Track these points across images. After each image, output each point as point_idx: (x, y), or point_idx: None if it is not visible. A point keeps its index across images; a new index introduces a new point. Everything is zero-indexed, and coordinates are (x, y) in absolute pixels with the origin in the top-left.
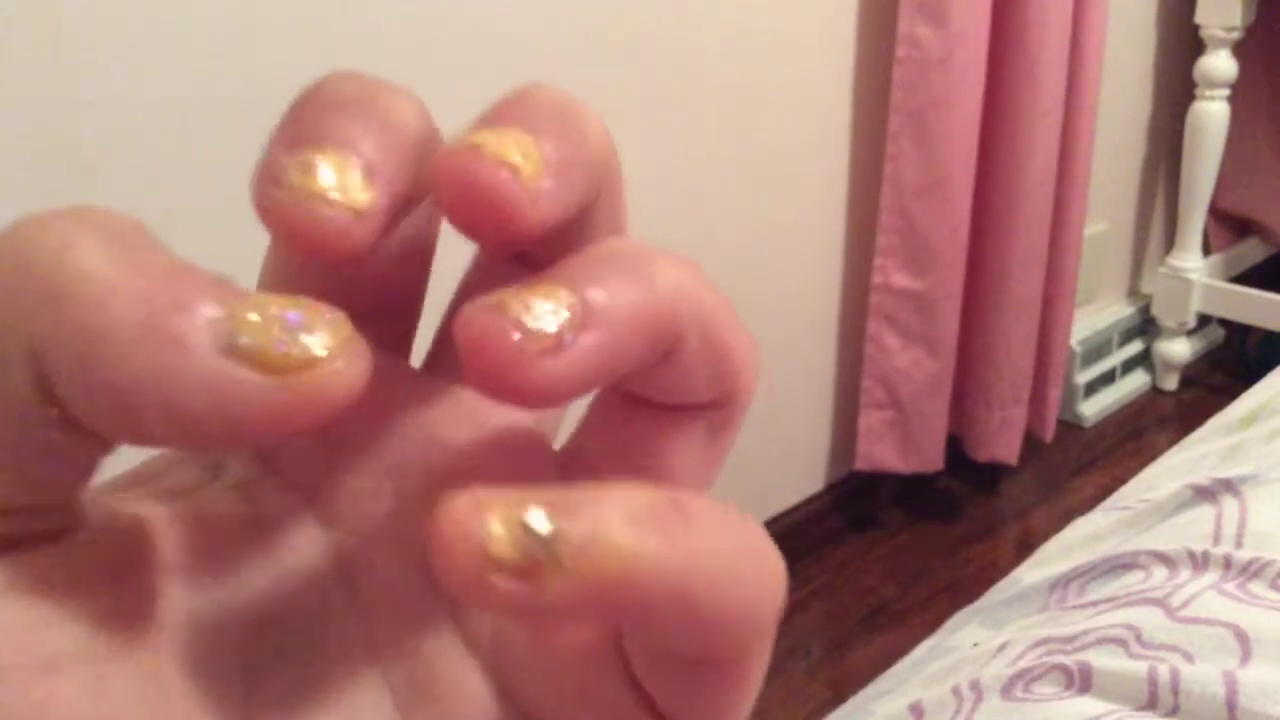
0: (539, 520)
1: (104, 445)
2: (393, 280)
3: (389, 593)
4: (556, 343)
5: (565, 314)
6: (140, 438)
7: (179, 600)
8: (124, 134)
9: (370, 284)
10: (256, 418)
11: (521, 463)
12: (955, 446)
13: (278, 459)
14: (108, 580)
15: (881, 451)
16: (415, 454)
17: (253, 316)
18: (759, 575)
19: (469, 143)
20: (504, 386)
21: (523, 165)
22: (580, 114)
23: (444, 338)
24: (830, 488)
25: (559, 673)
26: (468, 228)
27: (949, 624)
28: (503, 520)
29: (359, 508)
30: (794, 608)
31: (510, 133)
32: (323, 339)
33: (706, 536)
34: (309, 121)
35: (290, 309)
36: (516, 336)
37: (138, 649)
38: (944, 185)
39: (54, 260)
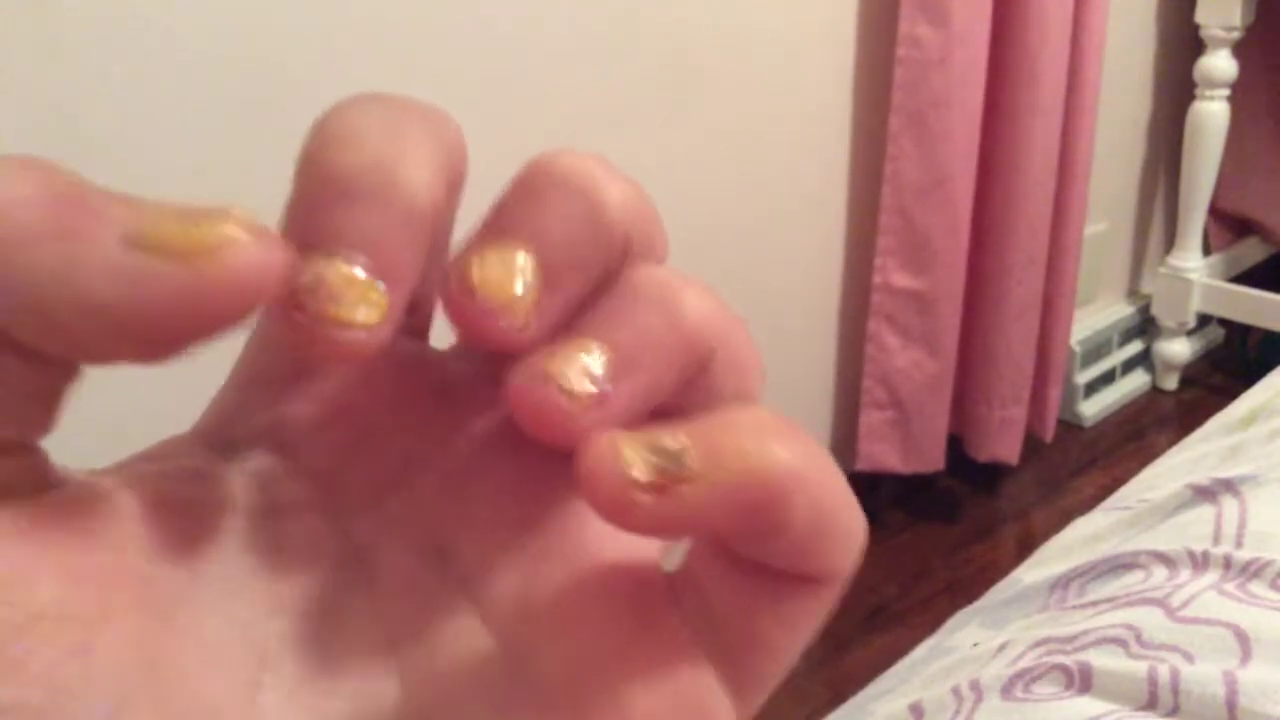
0: (670, 440)
1: (51, 370)
2: None
3: (404, 581)
4: (599, 398)
5: (601, 365)
6: (62, 341)
7: (181, 581)
8: (124, 134)
9: None
10: (169, 303)
11: (548, 452)
12: (955, 446)
13: (295, 447)
14: (90, 545)
15: (882, 451)
16: (434, 444)
17: (157, 212)
18: (851, 496)
19: (467, 281)
20: (560, 444)
21: (513, 304)
22: (595, 185)
23: None
24: None
25: (608, 632)
26: (468, 340)
27: (949, 624)
28: (636, 446)
29: (376, 497)
30: None
31: (510, 253)
32: (228, 226)
33: (817, 451)
34: (322, 213)
35: (195, 205)
36: (564, 402)
37: (128, 619)
38: (944, 185)
39: None
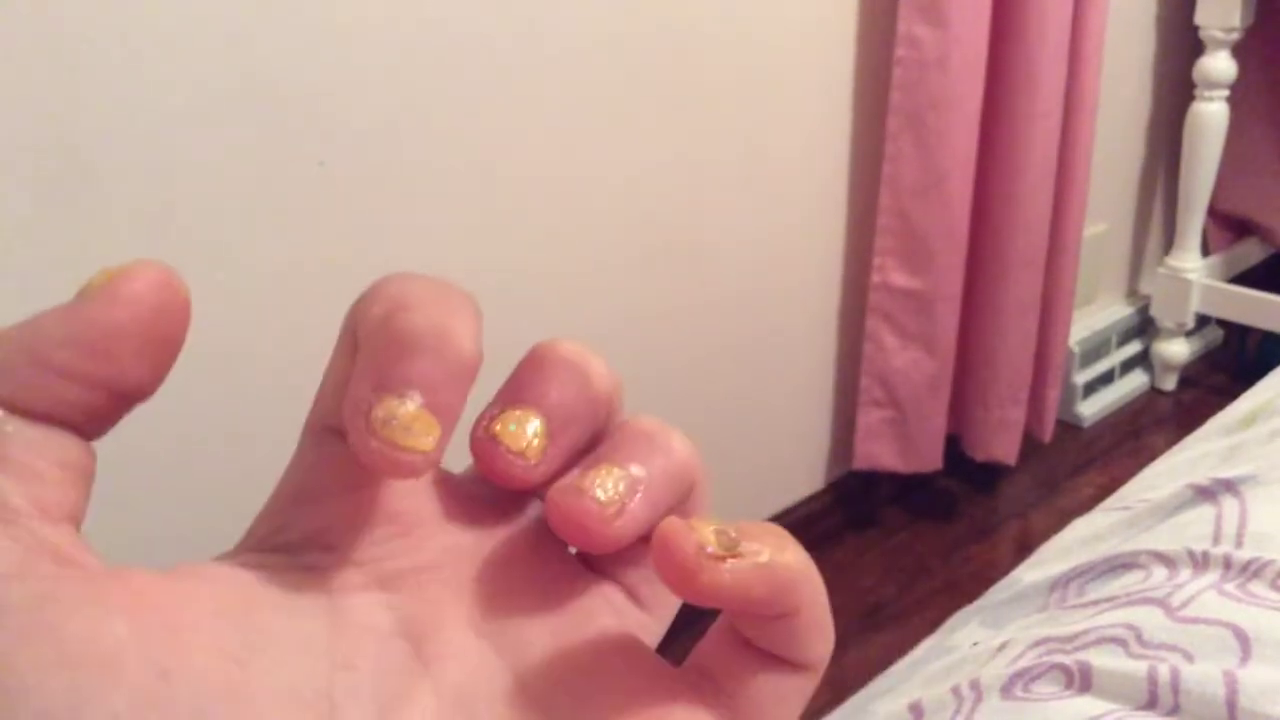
0: (729, 529)
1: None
2: None
3: (454, 648)
4: (620, 508)
5: (622, 484)
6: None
7: (255, 635)
8: (123, 134)
9: None
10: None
11: (559, 561)
12: (953, 446)
13: (340, 544)
14: (179, 602)
15: (880, 451)
16: (462, 543)
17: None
18: (815, 574)
19: (492, 433)
20: (590, 543)
21: (526, 449)
22: (584, 362)
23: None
24: (829, 487)
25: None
26: (493, 477)
27: (949, 623)
28: (709, 525)
29: (419, 579)
30: None
31: (524, 412)
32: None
33: (812, 563)
34: (393, 363)
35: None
36: (594, 506)
37: (204, 656)
38: (943, 185)
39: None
